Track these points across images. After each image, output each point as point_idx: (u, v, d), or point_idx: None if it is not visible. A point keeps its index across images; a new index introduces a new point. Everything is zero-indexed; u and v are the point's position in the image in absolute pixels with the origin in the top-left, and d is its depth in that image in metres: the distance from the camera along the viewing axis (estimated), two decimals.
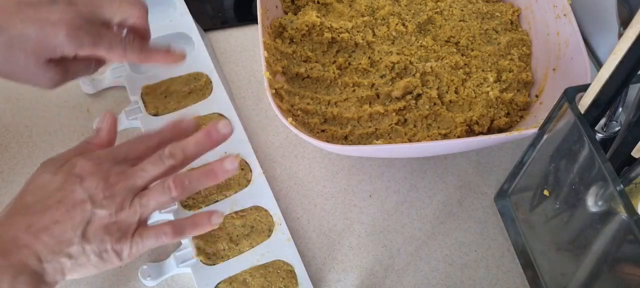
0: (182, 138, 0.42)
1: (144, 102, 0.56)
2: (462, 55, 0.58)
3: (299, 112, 0.52)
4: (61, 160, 0.40)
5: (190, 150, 0.41)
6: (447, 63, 0.56)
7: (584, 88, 0.38)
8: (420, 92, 0.54)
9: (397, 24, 0.58)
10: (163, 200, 0.40)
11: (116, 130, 0.44)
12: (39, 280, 0.37)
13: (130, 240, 0.39)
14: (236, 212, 0.50)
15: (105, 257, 0.38)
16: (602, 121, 0.43)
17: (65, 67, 0.45)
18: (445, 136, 0.52)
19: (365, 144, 0.52)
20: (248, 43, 0.64)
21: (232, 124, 0.42)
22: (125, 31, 0.47)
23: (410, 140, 0.52)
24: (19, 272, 0.36)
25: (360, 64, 0.56)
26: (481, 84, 0.55)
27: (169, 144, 0.41)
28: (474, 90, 0.54)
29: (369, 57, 0.57)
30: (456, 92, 0.55)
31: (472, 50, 0.58)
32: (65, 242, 0.37)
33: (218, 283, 0.47)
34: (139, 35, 0.48)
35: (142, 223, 0.40)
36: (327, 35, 0.56)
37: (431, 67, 0.55)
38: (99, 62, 0.47)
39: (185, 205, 0.50)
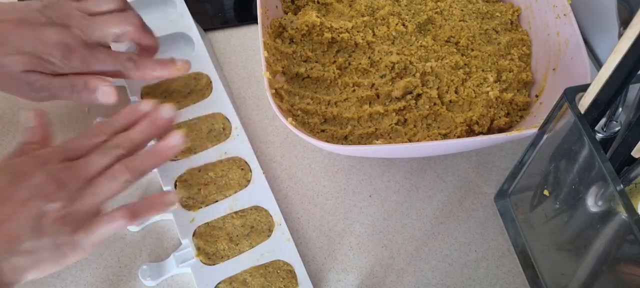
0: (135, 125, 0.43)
1: None
2: (462, 55, 0.58)
3: (299, 112, 0.52)
4: (1, 164, 0.40)
5: (137, 139, 0.42)
6: (447, 63, 0.56)
7: (584, 88, 0.38)
8: (420, 92, 0.54)
9: (397, 24, 0.58)
10: (115, 186, 0.40)
11: (48, 125, 0.43)
12: None
13: (86, 230, 0.38)
14: (236, 212, 0.50)
15: (63, 249, 0.38)
16: (602, 121, 0.43)
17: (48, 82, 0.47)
18: (445, 136, 0.52)
19: (365, 143, 0.52)
20: (248, 43, 0.64)
21: (175, 110, 0.44)
22: (127, 46, 0.49)
23: (410, 140, 0.52)
24: None
25: (360, 64, 0.56)
26: (481, 84, 0.55)
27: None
28: (474, 90, 0.54)
29: (369, 57, 0.57)
30: (456, 92, 0.55)
31: (472, 50, 0.58)
32: (17, 239, 0.36)
33: (218, 283, 0.47)
34: (143, 49, 0.51)
35: (98, 212, 0.39)
36: (327, 35, 0.56)
37: (431, 67, 0.55)
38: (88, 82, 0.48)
39: (185, 205, 0.50)
